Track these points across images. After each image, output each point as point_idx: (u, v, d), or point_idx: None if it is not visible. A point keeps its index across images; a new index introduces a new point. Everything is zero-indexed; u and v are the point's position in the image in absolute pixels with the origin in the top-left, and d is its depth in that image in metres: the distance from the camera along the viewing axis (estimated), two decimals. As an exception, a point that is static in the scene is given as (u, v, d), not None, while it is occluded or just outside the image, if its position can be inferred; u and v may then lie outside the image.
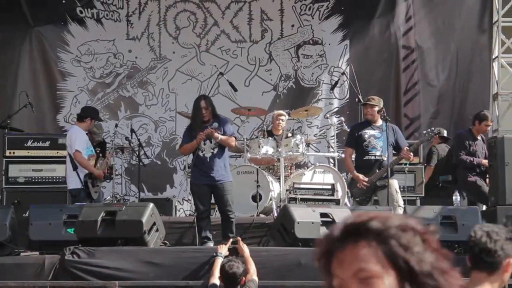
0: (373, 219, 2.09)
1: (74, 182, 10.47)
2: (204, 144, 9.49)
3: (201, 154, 9.52)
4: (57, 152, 11.26)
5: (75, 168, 10.47)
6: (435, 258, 2.13)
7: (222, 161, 9.56)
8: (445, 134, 12.41)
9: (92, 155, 10.68)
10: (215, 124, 9.48)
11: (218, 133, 9.44)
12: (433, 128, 10.43)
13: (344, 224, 2.13)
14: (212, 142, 9.50)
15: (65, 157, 11.11)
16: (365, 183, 9.99)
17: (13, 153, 11.18)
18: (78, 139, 10.52)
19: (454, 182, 11.54)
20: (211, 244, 9.09)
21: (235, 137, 9.96)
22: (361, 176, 10.04)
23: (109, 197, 12.47)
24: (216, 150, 9.50)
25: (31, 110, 12.56)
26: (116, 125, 13.32)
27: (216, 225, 9.60)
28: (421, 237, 2.12)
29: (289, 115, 12.70)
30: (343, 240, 2.09)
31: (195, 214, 9.66)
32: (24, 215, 9.97)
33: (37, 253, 8.76)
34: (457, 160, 11.11)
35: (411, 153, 10.23)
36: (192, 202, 11.45)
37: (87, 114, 10.87)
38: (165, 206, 11.82)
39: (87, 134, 10.87)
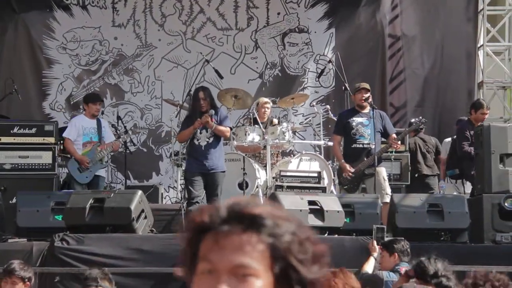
0: (268, 216, 1.91)
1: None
2: (200, 133, 9.56)
3: (196, 142, 9.58)
4: (43, 139, 11.24)
5: (71, 155, 10.65)
6: (320, 269, 2.00)
7: (217, 151, 9.63)
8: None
9: (89, 142, 10.78)
10: (212, 111, 9.54)
11: (214, 122, 9.50)
12: (421, 117, 10.48)
13: (234, 208, 1.93)
14: (208, 131, 9.55)
15: (51, 143, 11.11)
16: (350, 174, 10.03)
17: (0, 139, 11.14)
18: (68, 127, 10.88)
19: (461, 176, 11.50)
20: None
21: (230, 128, 10.00)
22: (347, 166, 10.07)
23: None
24: (211, 139, 9.55)
25: (17, 97, 12.52)
26: (102, 112, 13.26)
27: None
28: (311, 247, 1.98)
29: (274, 103, 12.72)
30: (229, 223, 1.90)
31: (185, 200, 9.70)
32: (10, 201, 9.95)
33: (25, 239, 8.76)
34: (461, 153, 11.06)
35: (399, 142, 10.30)
36: (179, 189, 11.50)
37: (83, 101, 11.14)
38: (151, 194, 11.81)
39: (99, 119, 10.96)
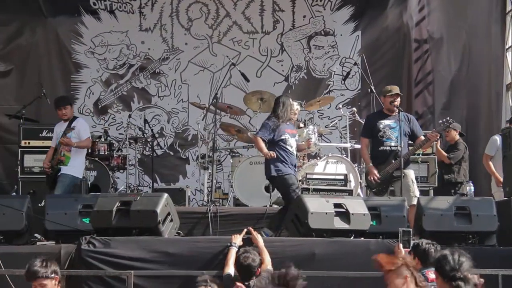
0: None
1: None
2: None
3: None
4: (72, 143, 11.32)
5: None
6: None
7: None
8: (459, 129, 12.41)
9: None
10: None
11: None
12: (448, 118, 10.39)
13: None
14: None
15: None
16: (376, 179, 9.98)
17: (28, 143, 11.27)
18: None
19: None
20: None
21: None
22: (374, 170, 10.02)
23: (122, 187, 12.54)
24: None
25: (46, 101, 12.64)
26: (130, 116, 13.41)
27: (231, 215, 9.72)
28: None
29: (301, 106, 12.72)
30: None
31: (212, 203, 9.83)
32: (39, 204, 10.03)
33: (53, 242, 8.83)
34: None
35: (438, 134, 10.25)
36: (205, 192, 11.54)
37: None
38: (178, 196, 11.87)
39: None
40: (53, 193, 10.30)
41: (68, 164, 10.71)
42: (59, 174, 10.61)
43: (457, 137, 12.36)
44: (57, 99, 11.30)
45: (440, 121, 10.56)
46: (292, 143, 9.79)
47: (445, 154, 12.15)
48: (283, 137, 9.72)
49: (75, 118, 10.96)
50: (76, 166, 10.74)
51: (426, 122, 13.85)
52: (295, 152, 9.83)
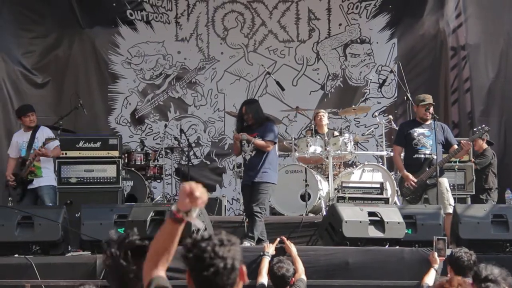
0: None
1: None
2: (248, 146, 9.53)
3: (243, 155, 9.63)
4: (108, 153, 11.41)
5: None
6: None
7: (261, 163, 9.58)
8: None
9: (21, 157, 10.83)
10: (244, 136, 9.53)
11: (256, 136, 9.48)
12: (483, 125, 10.31)
13: None
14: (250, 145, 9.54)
15: (115, 157, 11.27)
16: (413, 184, 9.93)
17: (65, 154, 11.35)
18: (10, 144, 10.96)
19: None
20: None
21: (274, 143, 9.69)
22: (410, 176, 9.98)
23: (159, 197, 12.61)
24: (254, 153, 9.55)
25: (83, 112, 12.76)
26: (166, 126, 13.48)
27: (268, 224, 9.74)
28: None
29: (336, 114, 12.73)
30: None
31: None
32: (76, 215, 10.11)
33: (89, 252, 8.89)
34: None
35: (470, 143, 10.19)
36: (241, 201, 11.55)
37: (16, 116, 11.10)
38: (214, 206, 11.90)
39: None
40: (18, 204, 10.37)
41: (42, 175, 10.76)
42: (37, 187, 10.67)
43: (485, 145, 12.32)
44: (22, 107, 11.32)
45: (475, 128, 10.49)
46: (245, 149, 9.59)
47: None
48: None
49: (37, 126, 10.96)
50: (52, 175, 10.86)
51: (463, 130, 13.73)
52: (247, 157, 9.56)
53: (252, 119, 9.51)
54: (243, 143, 9.48)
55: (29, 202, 10.61)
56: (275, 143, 9.55)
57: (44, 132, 10.89)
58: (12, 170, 10.81)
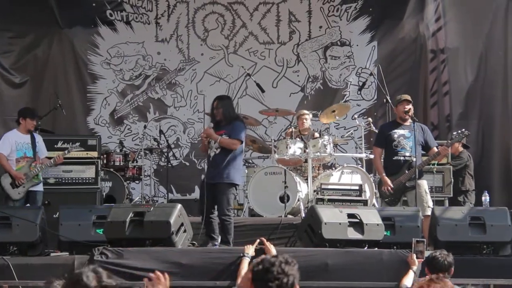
0: None
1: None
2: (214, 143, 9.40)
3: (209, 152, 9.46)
4: (87, 154, 11.38)
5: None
6: None
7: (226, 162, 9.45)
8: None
9: (22, 157, 10.65)
10: (211, 124, 9.43)
11: (223, 134, 9.34)
12: (463, 129, 10.37)
13: None
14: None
15: (94, 158, 11.22)
16: (390, 189, 9.96)
17: (44, 154, 11.27)
18: (1, 142, 10.66)
19: None
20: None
21: (241, 142, 9.49)
22: (388, 181, 10.00)
23: (138, 198, 12.58)
24: (218, 150, 9.40)
25: (62, 112, 12.70)
26: (145, 127, 13.46)
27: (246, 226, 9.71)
28: None
29: (316, 116, 12.74)
30: None
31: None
32: (54, 215, 10.06)
33: (67, 253, 8.85)
34: None
35: (448, 148, 10.24)
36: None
37: (19, 115, 10.83)
38: (193, 207, 11.87)
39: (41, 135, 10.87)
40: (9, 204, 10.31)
41: (41, 179, 10.74)
42: (36, 190, 10.60)
43: (461, 148, 12.40)
44: (32, 110, 11.19)
45: (455, 132, 10.54)
46: (211, 145, 9.47)
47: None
48: None
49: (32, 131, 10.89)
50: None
51: (442, 132, 13.79)
52: (212, 153, 9.43)
53: (222, 115, 9.33)
54: (210, 140, 9.39)
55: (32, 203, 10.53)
56: (242, 142, 9.42)
57: (40, 140, 10.88)
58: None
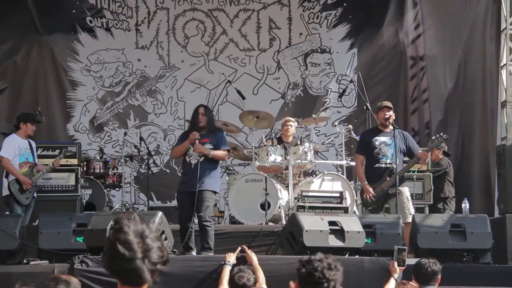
0: None
1: (4, 190, 10.49)
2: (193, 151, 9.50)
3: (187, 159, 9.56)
4: (67, 161, 11.32)
5: (6, 175, 10.48)
6: None
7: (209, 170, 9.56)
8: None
9: (25, 162, 10.59)
10: (197, 134, 9.50)
11: (208, 145, 9.47)
12: (441, 133, 10.40)
13: None
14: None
15: (74, 165, 11.16)
16: (371, 197, 9.97)
17: (24, 161, 11.20)
18: (4, 146, 10.52)
19: None
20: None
21: (228, 151, 9.81)
22: (370, 189, 10.01)
23: (118, 205, 12.52)
24: (202, 158, 9.49)
25: (41, 119, 12.62)
26: (125, 134, 13.41)
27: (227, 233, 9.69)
28: None
29: (297, 123, 12.75)
30: None
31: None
32: (33, 223, 10.00)
33: (47, 261, 8.79)
34: None
35: (428, 153, 10.29)
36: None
37: (20, 120, 10.76)
38: (174, 215, 11.83)
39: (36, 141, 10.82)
40: (11, 211, 10.26)
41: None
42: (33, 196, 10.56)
43: (441, 155, 12.44)
44: (34, 115, 11.15)
45: (434, 137, 10.58)
46: (190, 153, 9.56)
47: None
48: None
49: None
50: None
51: (422, 139, 13.85)
52: (193, 161, 9.52)
53: (206, 123, 9.52)
54: (189, 147, 9.43)
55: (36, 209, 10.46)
56: (229, 151, 9.54)
57: (34, 146, 10.83)
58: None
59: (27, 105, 13.25)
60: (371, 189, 10.00)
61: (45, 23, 14.14)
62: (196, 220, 9.44)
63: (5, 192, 10.46)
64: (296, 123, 12.28)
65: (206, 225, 9.26)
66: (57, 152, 11.22)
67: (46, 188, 11.41)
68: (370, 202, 10.07)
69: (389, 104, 10.36)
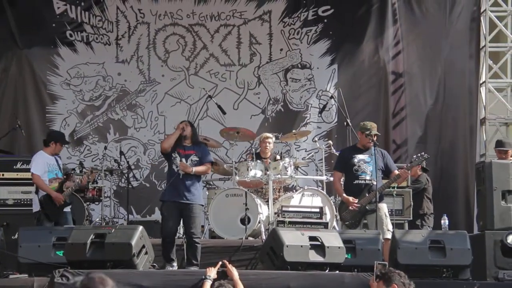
0: None
1: (35, 205, 10.46)
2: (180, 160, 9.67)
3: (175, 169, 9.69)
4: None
5: (36, 191, 10.46)
6: None
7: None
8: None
9: (55, 178, 10.57)
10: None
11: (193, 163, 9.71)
12: (423, 153, 10.49)
13: None
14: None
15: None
16: (355, 206, 10.02)
17: (2, 175, 11.19)
18: (34, 162, 10.51)
19: None
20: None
21: (212, 163, 10.19)
22: (351, 199, 10.07)
23: (98, 219, 12.47)
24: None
25: (21, 133, 12.58)
26: (105, 148, 13.36)
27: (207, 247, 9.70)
28: None
29: (277, 138, 12.78)
30: None
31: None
32: (13, 237, 9.95)
33: (26, 275, 8.74)
34: None
35: (408, 171, 10.37)
36: (181, 225, 11.49)
37: (51, 138, 10.80)
38: (154, 229, 11.80)
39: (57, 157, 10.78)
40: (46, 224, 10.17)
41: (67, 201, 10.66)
42: (66, 211, 10.50)
43: (420, 172, 12.51)
44: (62, 135, 11.24)
45: (415, 156, 10.65)
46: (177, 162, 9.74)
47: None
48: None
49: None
50: None
51: (402, 155, 13.92)
52: (181, 172, 9.69)
53: (190, 134, 9.79)
54: (174, 155, 9.57)
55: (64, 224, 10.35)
56: (213, 164, 9.66)
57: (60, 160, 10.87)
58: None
59: (6, 119, 13.17)
60: (352, 199, 10.05)
61: (24, 37, 14.08)
62: (181, 232, 9.51)
63: (36, 208, 10.41)
64: (274, 139, 12.33)
65: (197, 242, 9.39)
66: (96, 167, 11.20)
67: (25, 202, 11.34)
68: (349, 217, 10.13)
69: (376, 130, 10.34)
